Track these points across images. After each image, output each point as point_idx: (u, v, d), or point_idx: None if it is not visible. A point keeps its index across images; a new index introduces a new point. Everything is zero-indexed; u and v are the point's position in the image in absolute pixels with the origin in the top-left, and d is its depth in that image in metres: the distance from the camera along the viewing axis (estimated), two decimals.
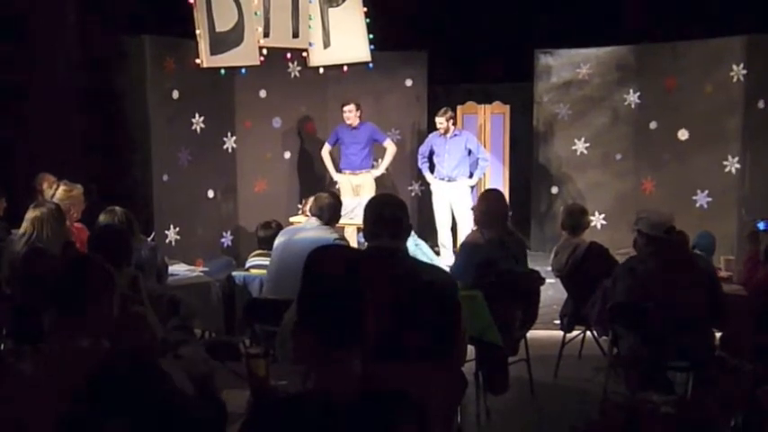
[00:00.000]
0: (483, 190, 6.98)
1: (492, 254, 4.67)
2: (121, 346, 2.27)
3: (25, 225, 4.70)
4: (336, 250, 2.23)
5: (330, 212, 4.88)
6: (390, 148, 8.21)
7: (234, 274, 5.28)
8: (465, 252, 4.82)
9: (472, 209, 5.26)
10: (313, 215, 4.91)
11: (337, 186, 8.19)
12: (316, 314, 1.97)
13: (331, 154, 8.28)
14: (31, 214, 4.72)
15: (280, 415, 1.96)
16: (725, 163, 8.10)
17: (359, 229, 6.85)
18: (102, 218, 4.91)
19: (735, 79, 8.01)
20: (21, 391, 2.13)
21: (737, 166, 8.04)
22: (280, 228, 5.37)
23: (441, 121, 8.00)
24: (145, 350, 3.11)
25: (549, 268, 5.56)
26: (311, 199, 5.27)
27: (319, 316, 1.97)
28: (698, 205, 8.28)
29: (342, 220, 5.86)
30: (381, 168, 8.23)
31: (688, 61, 8.32)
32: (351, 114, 8.00)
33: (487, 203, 4.97)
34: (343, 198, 6.50)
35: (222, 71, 7.14)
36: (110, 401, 2.07)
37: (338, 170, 8.24)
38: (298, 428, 1.92)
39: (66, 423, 2.05)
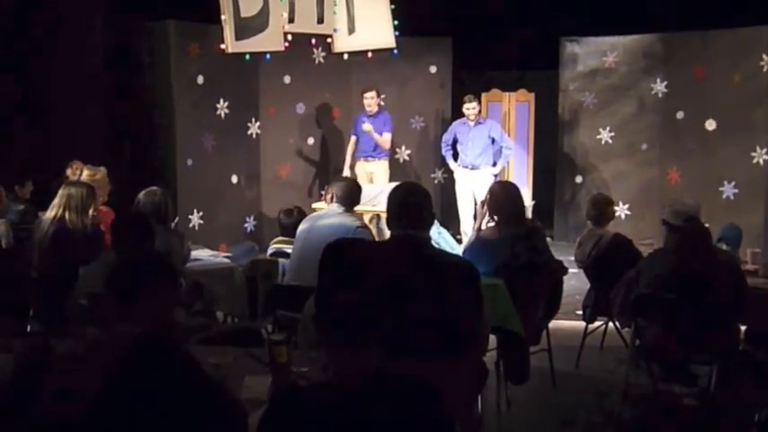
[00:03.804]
0: (495, 180, 6.92)
1: (508, 248, 4.59)
2: (149, 330, 2.28)
3: (55, 204, 4.73)
4: (353, 245, 2.23)
5: (351, 198, 4.88)
6: (387, 138, 8.03)
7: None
8: (479, 247, 4.72)
9: (482, 204, 5.10)
10: (334, 201, 4.92)
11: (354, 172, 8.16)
12: (332, 310, 1.98)
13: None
14: (61, 193, 4.75)
15: (300, 404, 1.97)
16: (753, 154, 7.99)
17: (380, 216, 6.84)
18: (141, 196, 4.94)
19: (764, 69, 7.88)
20: (59, 372, 2.15)
21: (765, 157, 7.93)
22: (302, 214, 5.36)
23: (473, 106, 7.92)
24: (172, 335, 3.14)
25: (573, 258, 5.53)
26: (333, 186, 5.27)
27: (335, 312, 1.97)
28: (724, 196, 8.17)
29: (364, 207, 5.83)
30: (385, 137, 8.01)
31: (716, 50, 8.20)
32: (372, 101, 7.98)
33: (503, 194, 4.88)
34: None
35: (247, 57, 7.14)
36: (141, 384, 2.09)
37: (355, 157, 8.19)
38: (318, 417, 1.93)
39: (100, 405, 2.07)
